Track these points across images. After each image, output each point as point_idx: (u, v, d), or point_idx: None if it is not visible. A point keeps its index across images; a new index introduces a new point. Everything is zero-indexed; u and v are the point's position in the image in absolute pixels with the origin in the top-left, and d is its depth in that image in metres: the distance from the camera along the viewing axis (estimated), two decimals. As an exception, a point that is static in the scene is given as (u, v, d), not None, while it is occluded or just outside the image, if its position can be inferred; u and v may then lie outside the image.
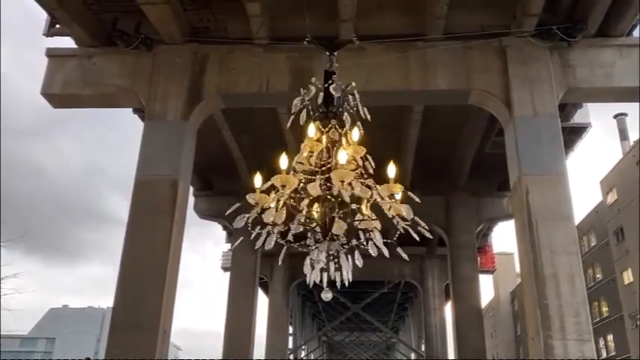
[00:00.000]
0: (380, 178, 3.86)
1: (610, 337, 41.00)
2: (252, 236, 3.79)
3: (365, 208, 3.77)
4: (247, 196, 3.76)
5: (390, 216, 3.68)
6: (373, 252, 3.72)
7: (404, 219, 3.67)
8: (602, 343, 41.15)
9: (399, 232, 3.69)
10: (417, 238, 3.77)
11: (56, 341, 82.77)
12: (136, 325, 9.83)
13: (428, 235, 3.77)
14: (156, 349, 9.68)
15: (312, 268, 3.87)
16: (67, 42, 12.57)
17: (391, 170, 3.69)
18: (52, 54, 12.26)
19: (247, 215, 3.78)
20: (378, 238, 3.70)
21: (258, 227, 3.80)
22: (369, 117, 4.22)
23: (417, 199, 3.82)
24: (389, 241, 3.74)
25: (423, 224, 3.75)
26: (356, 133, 4.02)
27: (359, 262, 3.96)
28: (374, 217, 3.77)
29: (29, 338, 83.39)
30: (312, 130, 3.97)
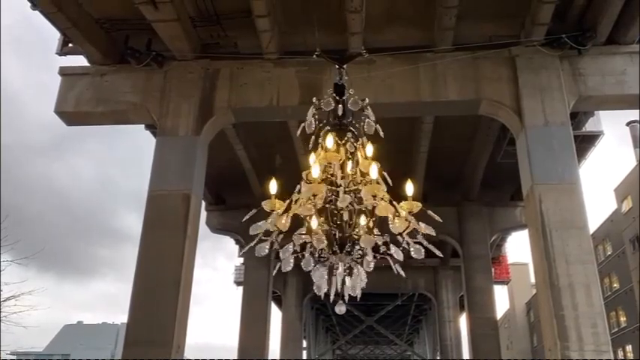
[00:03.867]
0: (392, 189, 3.88)
1: (629, 348, 40.28)
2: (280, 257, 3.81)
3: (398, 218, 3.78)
4: (262, 203, 3.78)
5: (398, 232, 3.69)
6: (415, 254, 3.72)
7: (410, 235, 3.70)
8: (620, 354, 40.44)
9: (421, 234, 3.73)
10: (421, 257, 3.77)
11: (71, 357, 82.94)
12: (150, 341, 9.83)
13: (438, 253, 3.80)
14: (170, 364, 9.67)
15: (329, 282, 3.87)
16: (79, 60, 12.76)
17: (409, 188, 3.75)
18: (65, 72, 12.43)
19: (268, 243, 3.79)
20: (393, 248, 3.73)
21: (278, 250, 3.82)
22: (381, 133, 4.23)
23: (439, 219, 3.83)
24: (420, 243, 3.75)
25: (433, 232, 3.77)
26: (370, 148, 4.03)
27: (398, 270, 3.95)
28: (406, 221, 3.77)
29: (44, 354, 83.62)
30: (330, 141, 3.96)
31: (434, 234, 3.76)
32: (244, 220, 4.04)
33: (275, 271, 4.10)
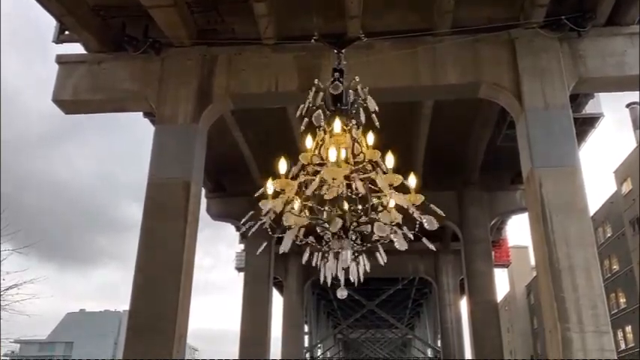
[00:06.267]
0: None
1: (628, 329, 40.61)
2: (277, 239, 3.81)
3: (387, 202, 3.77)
4: (259, 204, 3.75)
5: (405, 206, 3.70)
6: (400, 246, 3.72)
7: (418, 209, 3.71)
8: (620, 334, 40.75)
9: (418, 222, 3.73)
10: (434, 227, 3.77)
11: (74, 345, 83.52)
12: (153, 328, 9.89)
13: (432, 247, 3.81)
14: (172, 350, 9.74)
15: (330, 266, 3.87)
16: (76, 48, 12.68)
17: (389, 161, 3.72)
18: (62, 61, 12.35)
19: (260, 222, 3.77)
20: (399, 232, 3.73)
21: (278, 231, 3.81)
22: (376, 123, 4.22)
23: (442, 213, 3.84)
24: (413, 232, 3.75)
25: (439, 211, 3.78)
26: (371, 137, 4.02)
27: (383, 259, 3.95)
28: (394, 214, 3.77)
29: (48, 343, 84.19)
30: (337, 125, 3.94)
31: (436, 226, 3.77)
32: (256, 195, 4.01)
33: (260, 251, 4.09)
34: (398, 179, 3.66)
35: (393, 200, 3.71)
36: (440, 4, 11.08)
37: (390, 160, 3.74)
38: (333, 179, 3.58)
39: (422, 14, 11.73)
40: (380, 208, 3.74)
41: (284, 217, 3.75)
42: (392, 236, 3.74)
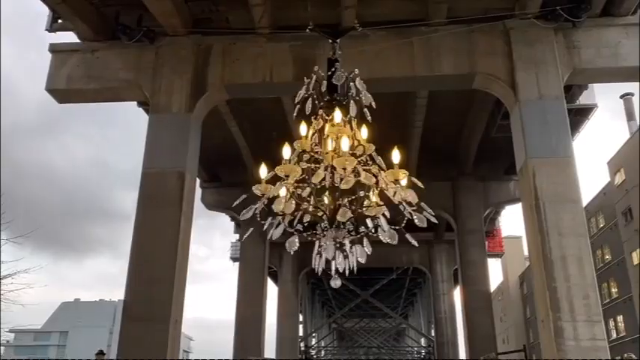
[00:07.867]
0: (387, 165, 3.88)
1: (620, 318, 40.92)
2: (266, 227, 3.82)
3: (373, 195, 3.77)
4: (253, 188, 3.78)
5: (397, 202, 3.69)
6: (383, 238, 3.73)
7: (410, 204, 3.70)
8: (612, 324, 41.08)
9: (406, 219, 3.72)
10: (424, 225, 3.76)
11: (69, 334, 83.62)
12: (148, 316, 9.94)
13: (433, 219, 3.78)
14: (168, 339, 9.79)
15: (320, 256, 3.88)
16: (70, 37, 12.59)
17: (395, 156, 3.71)
18: (56, 49, 12.27)
19: (254, 207, 3.79)
20: (384, 224, 3.72)
21: (270, 218, 3.82)
22: (373, 104, 4.21)
23: (421, 185, 3.82)
24: (397, 227, 3.74)
25: (429, 210, 3.76)
26: (338, 114, 3.98)
27: (368, 250, 3.95)
28: (381, 203, 3.78)
29: (43, 332, 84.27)
30: (338, 116, 3.94)
31: (416, 200, 3.73)
32: (234, 205, 4.05)
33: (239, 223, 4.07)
34: (403, 174, 3.65)
35: (375, 195, 3.71)
36: (435, -6, 11.05)
37: (396, 155, 3.71)
38: (344, 169, 3.57)
39: (417, 4, 11.70)
40: (366, 202, 3.74)
41: (274, 205, 3.75)
42: (379, 228, 3.73)
